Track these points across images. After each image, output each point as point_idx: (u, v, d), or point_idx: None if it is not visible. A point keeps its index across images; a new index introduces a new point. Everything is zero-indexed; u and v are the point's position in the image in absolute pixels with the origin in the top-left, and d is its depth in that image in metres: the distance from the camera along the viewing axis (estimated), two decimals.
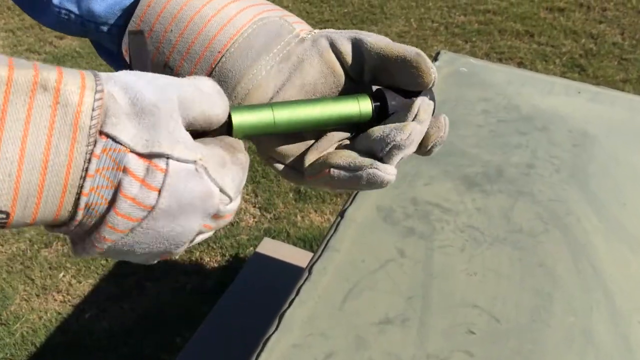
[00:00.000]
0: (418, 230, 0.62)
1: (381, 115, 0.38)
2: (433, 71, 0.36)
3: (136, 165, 0.28)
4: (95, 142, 0.27)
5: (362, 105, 0.38)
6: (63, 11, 0.44)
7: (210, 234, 0.34)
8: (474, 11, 2.99)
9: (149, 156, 0.28)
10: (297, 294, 0.57)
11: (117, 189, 0.28)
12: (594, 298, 0.56)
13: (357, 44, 0.38)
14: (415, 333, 0.52)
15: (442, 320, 0.53)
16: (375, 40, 0.37)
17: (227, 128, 0.35)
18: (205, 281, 1.67)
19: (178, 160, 0.29)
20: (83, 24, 0.44)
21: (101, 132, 0.27)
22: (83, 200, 0.28)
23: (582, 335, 0.52)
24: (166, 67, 0.40)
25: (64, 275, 1.71)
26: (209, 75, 0.40)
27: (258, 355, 0.51)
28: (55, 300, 1.65)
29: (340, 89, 0.39)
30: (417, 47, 0.38)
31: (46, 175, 0.26)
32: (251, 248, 1.74)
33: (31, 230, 1.85)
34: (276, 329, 0.53)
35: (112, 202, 0.28)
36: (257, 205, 1.89)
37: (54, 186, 0.27)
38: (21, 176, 0.26)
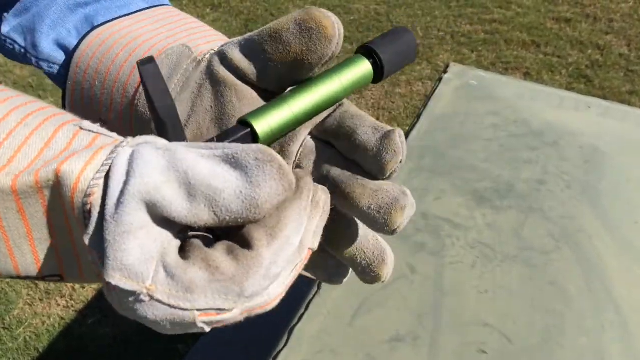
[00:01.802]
0: (428, 246, 0.62)
1: (378, 74, 0.35)
2: (329, 16, 0.31)
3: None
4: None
5: (364, 67, 0.35)
6: (8, 41, 0.44)
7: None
8: (480, 21, 3.00)
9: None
10: (306, 309, 0.56)
11: None
12: (606, 318, 0.55)
13: (245, 47, 0.34)
14: (426, 352, 0.51)
15: (453, 339, 0.53)
16: (259, 32, 0.33)
17: (252, 139, 0.31)
18: None
19: (116, 288, 0.25)
20: (25, 57, 0.44)
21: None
22: None
23: (594, 356, 0.52)
24: (101, 122, 0.40)
25: None
26: (132, 124, 0.38)
27: None
28: (59, 305, 1.65)
29: (249, 100, 0.35)
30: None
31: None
32: None
33: None
34: (286, 344, 0.53)
35: None
36: None
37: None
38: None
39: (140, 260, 0.25)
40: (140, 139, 0.27)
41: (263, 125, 0.32)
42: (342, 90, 0.34)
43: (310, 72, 0.33)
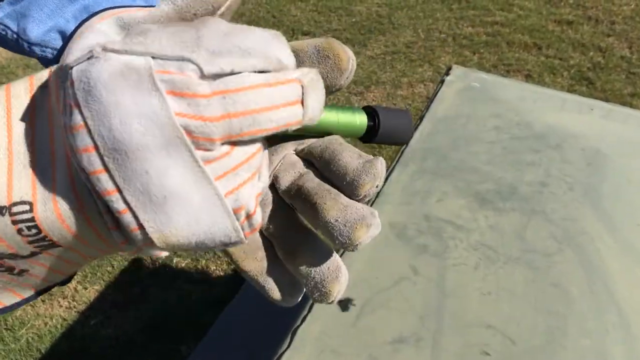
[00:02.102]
0: (431, 248, 0.62)
1: (370, 134, 0.37)
2: (347, 52, 0.30)
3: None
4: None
5: (361, 119, 0.36)
6: (1, 26, 0.44)
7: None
8: (482, 23, 3.00)
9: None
10: (309, 311, 0.56)
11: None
12: (609, 320, 0.55)
13: None
14: (428, 353, 0.52)
15: (456, 340, 0.53)
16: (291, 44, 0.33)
17: None
18: (211, 290, 1.67)
19: (73, 66, 0.22)
20: (17, 42, 0.44)
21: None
22: None
23: (597, 358, 0.52)
24: None
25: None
26: None
27: None
28: (61, 306, 1.65)
29: None
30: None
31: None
32: None
33: None
34: (289, 345, 0.53)
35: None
36: None
37: None
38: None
39: (100, 39, 0.23)
40: None
41: None
42: (335, 125, 0.35)
43: None
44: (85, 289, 1.69)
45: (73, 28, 0.42)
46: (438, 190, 0.70)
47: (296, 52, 0.31)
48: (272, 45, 0.24)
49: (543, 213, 0.67)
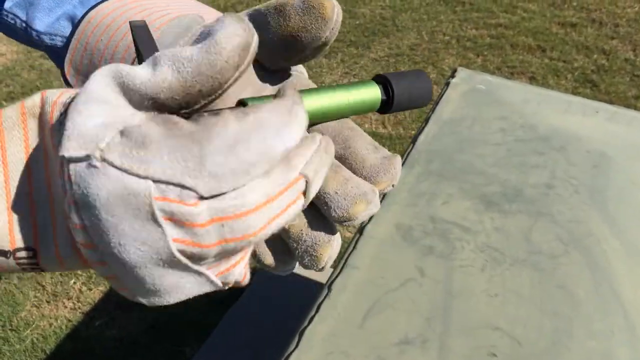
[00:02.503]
0: (437, 249, 0.63)
1: (386, 106, 0.36)
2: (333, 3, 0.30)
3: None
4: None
5: (373, 92, 0.35)
6: (10, 15, 0.45)
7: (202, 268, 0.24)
8: (486, 25, 3.00)
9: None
10: (316, 311, 0.57)
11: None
12: (615, 322, 0.55)
13: (253, 17, 0.33)
14: (435, 355, 0.52)
15: (463, 342, 0.53)
16: (268, 2, 0.32)
17: None
18: (215, 291, 1.67)
19: (71, 159, 0.22)
20: (26, 31, 0.45)
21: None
22: None
23: (603, 359, 0.52)
24: None
25: (74, 282, 1.72)
26: None
27: None
28: (66, 307, 1.66)
29: (251, 73, 0.34)
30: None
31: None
32: None
33: None
34: (296, 346, 0.53)
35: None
36: None
37: None
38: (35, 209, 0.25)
39: (98, 125, 0.22)
40: None
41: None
42: (347, 106, 0.34)
43: (301, 53, 0.32)
44: (90, 290, 1.70)
45: (80, 14, 0.42)
46: (444, 192, 0.71)
47: (283, 6, 0.31)
48: (284, 134, 0.23)
49: (549, 215, 0.67)
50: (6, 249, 0.25)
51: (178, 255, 0.22)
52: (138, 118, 0.23)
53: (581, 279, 0.59)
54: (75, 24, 0.41)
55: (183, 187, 0.21)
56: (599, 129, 0.82)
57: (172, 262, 0.23)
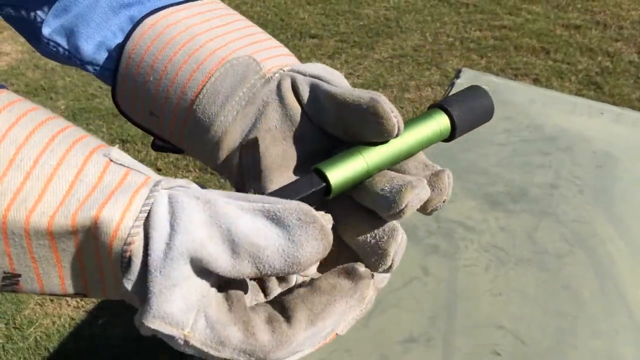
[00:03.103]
0: (442, 248, 0.63)
1: (450, 135, 0.35)
2: (393, 115, 0.32)
3: None
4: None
5: (441, 123, 0.35)
6: (52, 43, 0.44)
7: None
8: (490, 27, 3.00)
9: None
10: None
11: None
12: (619, 322, 0.55)
13: (314, 90, 0.36)
14: (439, 353, 0.52)
15: (467, 341, 0.53)
16: (330, 88, 0.34)
17: (324, 191, 0.32)
18: None
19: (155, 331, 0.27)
20: (70, 59, 0.45)
21: None
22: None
23: (607, 359, 0.52)
24: (152, 115, 0.40)
25: None
26: (186, 123, 0.39)
27: None
28: (69, 305, 1.66)
29: (307, 134, 0.36)
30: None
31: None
32: None
33: None
34: None
35: None
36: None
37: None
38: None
39: (182, 310, 0.26)
40: (174, 181, 0.28)
41: (337, 176, 0.32)
42: (417, 146, 0.35)
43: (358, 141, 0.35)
44: None
45: (119, 41, 0.42)
46: None
47: (345, 104, 0.33)
48: (343, 320, 0.30)
49: (554, 215, 0.67)
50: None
51: None
52: (214, 297, 0.27)
53: (586, 278, 0.59)
54: (116, 57, 0.41)
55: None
56: (604, 130, 0.82)
57: None
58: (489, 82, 0.93)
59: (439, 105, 0.36)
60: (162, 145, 0.45)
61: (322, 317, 0.28)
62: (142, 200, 0.26)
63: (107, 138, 2.32)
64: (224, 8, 0.43)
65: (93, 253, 0.27)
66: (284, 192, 0.31)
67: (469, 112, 0.36)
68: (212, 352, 0.27)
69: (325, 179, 0.32)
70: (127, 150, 2.26)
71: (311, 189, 0.32)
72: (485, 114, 0.37)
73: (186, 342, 0.26)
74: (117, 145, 0.29)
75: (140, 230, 0.26)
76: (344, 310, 0.29)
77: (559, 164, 0.75)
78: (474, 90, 0.37)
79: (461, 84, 0.93)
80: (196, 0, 0.42)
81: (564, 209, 0.68)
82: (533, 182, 0.72)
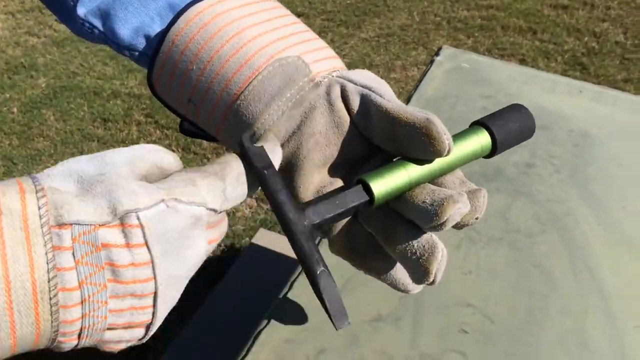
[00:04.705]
0: None
1: (492, 152, 0.37)
2: (446, 138, 0.33)
3: (112, 235, 0.28)
4: (59, 236, 0.27)
5: (482, 140, 0.36)
6: (87, 24, 0.44)
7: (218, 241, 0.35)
8: (477, 6, 2.98)
9: (120, 220, 0.28)
10: (290, 288, 0.56)
11: (110, 267, 0.28)
12: (590, 301, 0.55)
13: (365, 101, 0.37)
14: (408, 332, 0.51)
15: (435, 319, 0.52)
16: (383, 102, 0.35)
17: (367, 202, 0.34)
18: (199, 271, 1.66)
19: (145, 208, 0.29)
20: (106, 42, 0.44)
21: (61, 225, 0.27)
22: (75, 295, 0.27)
23: (577, 339, 0.52)
24: (190, 102, 0.40)
25: None
26: (226, 116, 0.39)
27: (249, 349, 0.51)
28: None
29: (351, 141, 0.38)
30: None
31: (11, 290, 0.25)
32: (247, 239, 1.73)
33: None
34: (268, 322, 0.53)
35: (115, 279, 0.28)
36: (253, 196, 1.89)
37: (22, 297, 0.26)
38: None
39: (146, 184, 0.31)
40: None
41: (380, 188, 0.34)
42: (458, 163, 0.36)
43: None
44: None
45: (158, 29, 0.41)
46: None
47: (397, 120, 0.35)
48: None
49: (528, 194, 0.66)
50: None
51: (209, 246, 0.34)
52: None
53: (557, 258, 0.59)
54: (157, 44, 0.40)
55: (215, 210, 0.32)
56: (583, 109, 0.82)
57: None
58: (469, 59, 0.92)
59: (482, 124, 0.37)
60: (192, 130, 0.45)
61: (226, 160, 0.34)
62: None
63: (88, 117, 2.29)
64: (267, 0, 0.42)
65: None
66: (328, 201, 0.33)
67: (510, 132, 0.38)
68: (194, 197, 0.31)
69: (369, 190, 0.34)
70: (108, 130, 2.23)
71: (357, 200, 0.34)
72: (525, 133, 0.40)
73: (175, 200, 0.30)
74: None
75: None
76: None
77: (535, 143, 0.74)
78: (517, 110, 0.39)
79: (441, 61, 0.92)
80: None
81: (539, 188, 0.67)
82: (509, 161, 0.71)
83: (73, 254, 0.27)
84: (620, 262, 0.59)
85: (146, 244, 0.29)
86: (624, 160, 0.72)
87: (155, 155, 0.32)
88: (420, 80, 0.87)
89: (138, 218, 0.29)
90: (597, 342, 0.51)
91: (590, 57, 2.56)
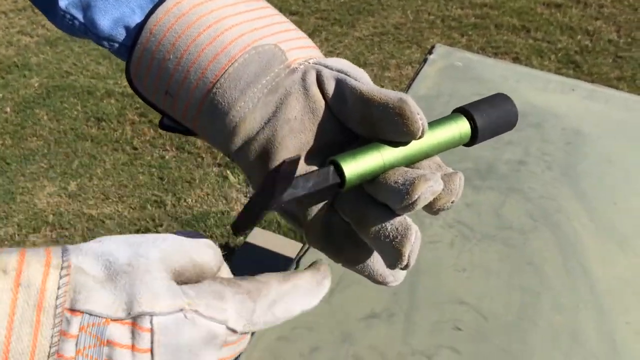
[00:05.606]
0: None
1: (470, 140, 0.36)
2: (419, 118, 0.32)
3: (120, 333, 0.27)
4: (68, 321, 0.26)
5: (462, 127, 0.35)
6: (68, 16, 0.43)
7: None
8: (471, 5, 2.98)
9: (132, 319, 0.27)
10: None
11: None
12: (582, 297, 0.55)
13: (340, 85, 0.36)
14: (401, 328, 0.51)
15: (429, 316, 0.53)
16: (358, 85, 0.34)
17: (338, 184, 0.33)
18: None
19: (161, 313, 0.28)
20: (86, 33, 0.44)
21: (74, 310, 0.26)
22: None
23: (569, 335, 0.52)
24: (167, 95, 0.40)
25: None
26: (202, 105, 0.38)
27: None
28: None
29: (326, 126, 0.37)
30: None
31: None
32: (241, 238, 1.73)
33: (20, 214, 1.83)
34: None
35: None
36: (248, 195, 1.89)
37: None
38: None
39: (174, 285, 0.31)
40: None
41: (352, 169, 0.33)
42: (435, 148, 0.35)
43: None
44: None
45: (139, 20, 0.41)
46: None
47: (371, 102, 0.33)
48: (308, 302, 0.38)
49: (521, 191, 0.67)
50: None
51: None
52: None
53: (549, 254, 0.59)
54: (135, 35, 0.40)
55: (236, 331, 0.31)
56: (575, 107, 0.82)
57: None
58: (463, 57, 0.92)
59: (462, 110, 0.36)
60: (171, 125, 0.44)
61: (292, 278, 0.34)
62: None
63: (82, 116, 2.28)
64: None
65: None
66: (298, 182, 0.32)
67: (491, 119, 0.37)
68: (217, 312, 0.30)
69: (340, 170, 0.33)
70: (102, 129, 2.22)
71: (327, 181, 0.33)
72: (507, 122, 0.39)
73: (195, 313, 0.29)
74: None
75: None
76: (306, 285, 0.37)
77: (528, 140, 0.75)
78: (499, 98, 0.37)
79: (434, 59, 0.92)
80: None
81: (532, 185, 0.68)
82: (502, 158, 0.71)
83: (77, 342, 0.26)
84: (612, 259, 0.59)
85: (151, 350, 0.28)
86: (615, 158, 0.72)
87: (194, 251, 0.31)
88: (413, 79, 0.87)
89: (151, 322, 0.28)
90: (588, 338, 0.52)
91: (584, 55, 2.57)
